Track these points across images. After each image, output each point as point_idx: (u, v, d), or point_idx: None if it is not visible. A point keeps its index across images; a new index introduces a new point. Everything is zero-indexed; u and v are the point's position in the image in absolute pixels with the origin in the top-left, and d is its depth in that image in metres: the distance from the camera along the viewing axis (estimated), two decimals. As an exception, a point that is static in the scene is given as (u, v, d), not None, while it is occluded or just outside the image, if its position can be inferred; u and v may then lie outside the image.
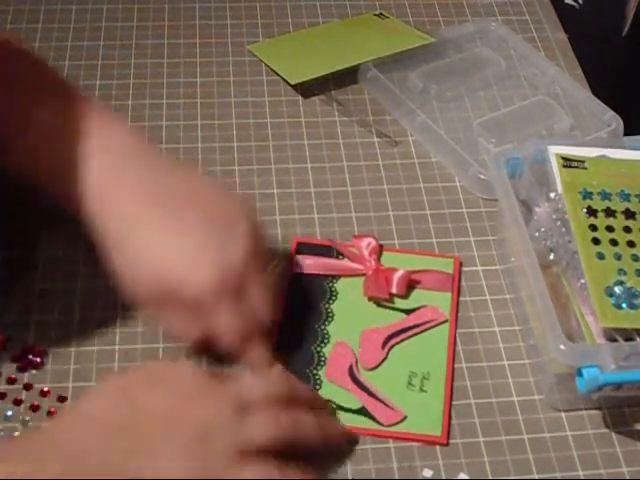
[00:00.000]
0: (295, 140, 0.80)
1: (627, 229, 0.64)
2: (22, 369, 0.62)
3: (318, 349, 0.64)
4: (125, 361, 0.63)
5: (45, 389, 0.61)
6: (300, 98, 0.84)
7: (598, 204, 0.65)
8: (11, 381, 0.61)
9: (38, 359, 0.63)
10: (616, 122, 0.80)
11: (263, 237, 0.62)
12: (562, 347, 0.57)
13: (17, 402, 0.60)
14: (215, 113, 0.82)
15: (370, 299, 0.67)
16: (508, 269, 0.70)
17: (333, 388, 0.62)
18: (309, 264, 0.69)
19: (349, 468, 0.59)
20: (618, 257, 0.62)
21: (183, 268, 0.57)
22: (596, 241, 0.63)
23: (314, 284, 0.68)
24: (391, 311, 0.67)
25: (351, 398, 0.62)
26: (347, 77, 0.86)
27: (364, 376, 0.63)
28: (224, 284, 0.57)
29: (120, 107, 0.82)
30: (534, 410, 0.62)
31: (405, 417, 0.61)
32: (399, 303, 0.67)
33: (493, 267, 0.71)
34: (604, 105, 0.82)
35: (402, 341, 0.65)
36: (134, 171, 0.60)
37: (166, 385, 0.54)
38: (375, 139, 0.81)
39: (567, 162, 0.67)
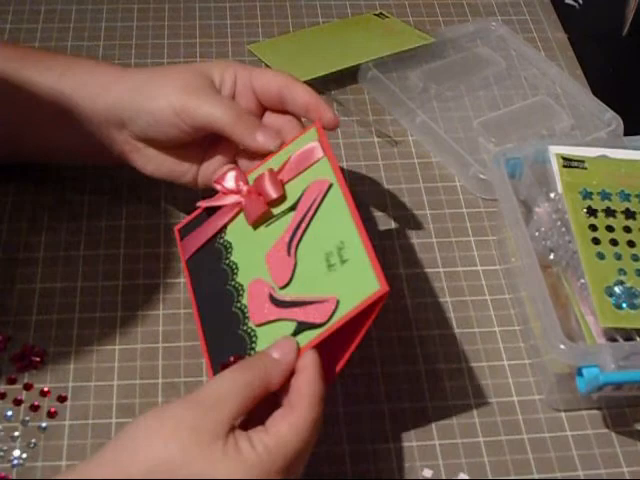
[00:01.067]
0: (295, 140, 0.80)
1: (627, 229, 0.64)
2: (22, 369, 0.62)
3: (238, 305, 0.58)
4: (125, 360, 0.63)
5: (45, 389, 0.61)
6: (300, 98, 0.84)
7: (598, 204, 0.65)
8: (11, 381, 0.61)
9: (38, 359, 0.63)
10: (616, 122, 0.80)
11: None
12: (562, 347, 0.57)
13: (17, 402, 0.60)
14: (215, 113, 0.82)
15: (256, 225, 0.60)
16: (508, 269, 0.70)
17: (265, 329, 0.55)
18: (194, 240, 0.64)
19: (349, 468, 0.59)
20: (618, 257, 0.62)
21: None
22: (596, 241, 0.63)
23: (207, 252, 0.62)
24: (281, 218, 0.60)
25: (284, 325, 0.55)
26: (347, 77, 0.86)
27: (286, 294, 0.56)
28: None
29: (120, 107, 0.82)
30: (534, 410, 0.62)
31: (338, 301, 0.53)
32: (283, 205, 0.60)
33: (493, 267, 0.71)
34: (604, 105, 0.82)
35: (302, 236, 0.58)
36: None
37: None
38: (375, 139, 0.81)
39: (567, 162, 0.67)
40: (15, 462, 0.57)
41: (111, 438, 0.49)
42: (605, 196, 0.66)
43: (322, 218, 0.58)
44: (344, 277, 0.54)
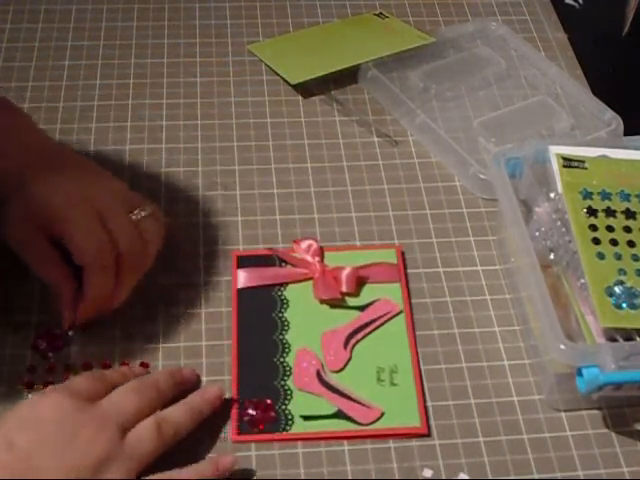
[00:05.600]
0: (295, 140, 0.80)
1: (627, 229, 0.64)
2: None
3: (281, 360, 0.63)
4: (125, 360, 0.63)
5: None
6: (300, 98, 0.84)
7: (598, 204, 0.65)
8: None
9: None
10: (616, 122, 0.80)
11: (131, 192, 0.67)
12: (562, 347, 0.57)
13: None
14: (215, 113, 0.82)
15: (322, 302, 0.67)
16: (508, 269, 0.70)
17: (305, 396, 0.62)
18: (253, 277, 0.68)
19: (349, 468, 0.59)
20: (618, 257, 0.62)
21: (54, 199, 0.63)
22: (596, 241, 0.63)
23: (262, 296, 0.67)
24: (345, 310, 0.67)
25: (325, 403, 0.61)
26: (347, 77, 0.86)
27: (333, 379, 0.62)
28: (85, 206, 0.63)
29: (120, 107, 0.82)
30: (534, 410, 0.62)
31: (383, 413, 0.61)
32: (352, 301, 0.67)
33: (493, 267, 0.71)
34: (604, 105, 0.82)
35: (362, 338, 0.65)
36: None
37: (47, 427, 0.53)
38: (375, 139, 0.81)
39: (567, 162, 0.67)
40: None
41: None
42: (605, 196, 0.66)
43: (384, 335, 0.65)
44: (391, 397, 0.62)
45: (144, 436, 0.54)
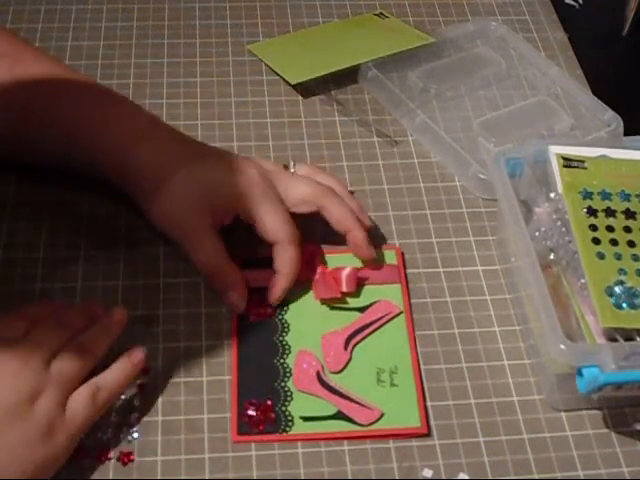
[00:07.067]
0: (295, 140, 0.80)
1: (627, 229, 0.64)
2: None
3: (281, 361, 0.63)
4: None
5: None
6: (300, 98, 0.84)
7: (598, 204, 0.65)
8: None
9: None
10: (616, 122, 0.80)
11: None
12: (562, 347, 0.57)
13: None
14: (215, 113, 0.82)
15: (322, 302, 0.67)
16: (508, 269, 0.70)
17: (305, 397, 0.61)
18: (253, 278, 0.67)
19: (349, 468, 0.59)
20: (618, 257, 0.62)
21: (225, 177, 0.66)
22: (596, 241, 0.63)
23: (263, 298, 0.67)
24: (345, 312, 0.66)
25: (325, 404, 0.61)
26: (347, 77, 0.86)
27: (333, 380, 0.62)
28: (263, 180, 0.66)
29: (120, 107, 0.82)
30: (534, 410, 0.62)
31: (382, 414, 0.61)
32: (352, 302, 0.67)
33: (493, 267, 0.71)
34: (604, 105, 0.82)
35: (362, 339, 0.65)
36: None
37: None
38: (375, 139, 0.81)
39: (567, 162, 0.67)
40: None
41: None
42: (605, 196, 0.66)
43: (384, 336, 0.65)
44: (391, 398, 0.62)
45: (67, 361, 0.57)
